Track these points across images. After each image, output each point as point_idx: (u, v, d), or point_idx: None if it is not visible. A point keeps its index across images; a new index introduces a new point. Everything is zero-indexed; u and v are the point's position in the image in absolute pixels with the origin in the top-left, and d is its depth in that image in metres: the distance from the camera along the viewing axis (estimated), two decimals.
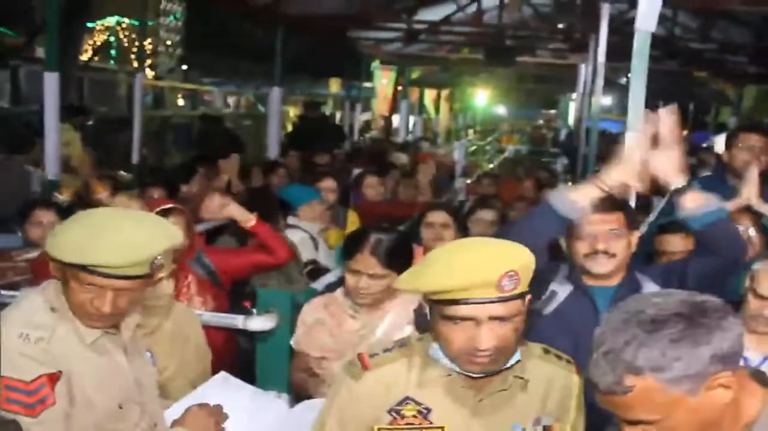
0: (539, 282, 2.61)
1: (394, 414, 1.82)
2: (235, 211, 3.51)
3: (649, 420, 1.34)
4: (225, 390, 2.44)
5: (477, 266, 1.70)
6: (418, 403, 1.83)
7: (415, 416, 1.81)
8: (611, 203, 2.47)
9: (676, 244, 2.97)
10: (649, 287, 2.61)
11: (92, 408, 1.92)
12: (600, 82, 6.43)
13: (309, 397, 3.00)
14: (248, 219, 3.49)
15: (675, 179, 2.32)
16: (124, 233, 1.85)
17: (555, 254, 2.81)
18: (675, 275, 2.60)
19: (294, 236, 4.28)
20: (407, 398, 1.83)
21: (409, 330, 2.81)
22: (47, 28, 5.72)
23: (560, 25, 12.30)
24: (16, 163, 6.02)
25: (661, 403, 1.32)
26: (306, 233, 4.47)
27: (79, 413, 1.89)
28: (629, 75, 3.22)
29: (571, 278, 2.60)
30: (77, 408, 1.89)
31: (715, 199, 2.41)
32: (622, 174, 2.30)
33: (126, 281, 1.87)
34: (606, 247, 2.50)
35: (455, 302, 1.70)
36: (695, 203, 2.33)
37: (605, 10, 6.26)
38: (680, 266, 2.64)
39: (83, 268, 1.84)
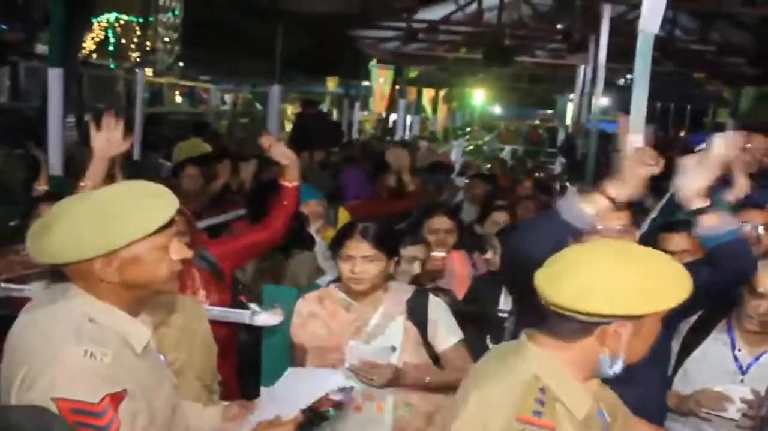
0: None
1: None
2: (291, 159, 3.49)
3: None
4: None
5: (674, 269, 1.81)
6: None
7: None
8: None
9: (680, 243, 2.99)
10: None
11: (154, 420, 1.82)
12: (600, 83, 6.46)
13: None
14: (294, 174, 3.49)
15: (699, 202, 2.37)
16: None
17: None
18: None
19: None
20: None
21: (400, 320, 2.90)
22: (50, 24, 5.73)
23: (559, 26, 12.33)
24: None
25: None
26: None
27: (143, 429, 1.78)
28: (627, 76, 3.26)
29: None
30: (139, 424, 1.76)
31: (732, 217, 2.43)
32: (629, 188, 2.32)
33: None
34: None
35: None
36: (713, 221, 2.36)
37: (606, 11, 6.28)
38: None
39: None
